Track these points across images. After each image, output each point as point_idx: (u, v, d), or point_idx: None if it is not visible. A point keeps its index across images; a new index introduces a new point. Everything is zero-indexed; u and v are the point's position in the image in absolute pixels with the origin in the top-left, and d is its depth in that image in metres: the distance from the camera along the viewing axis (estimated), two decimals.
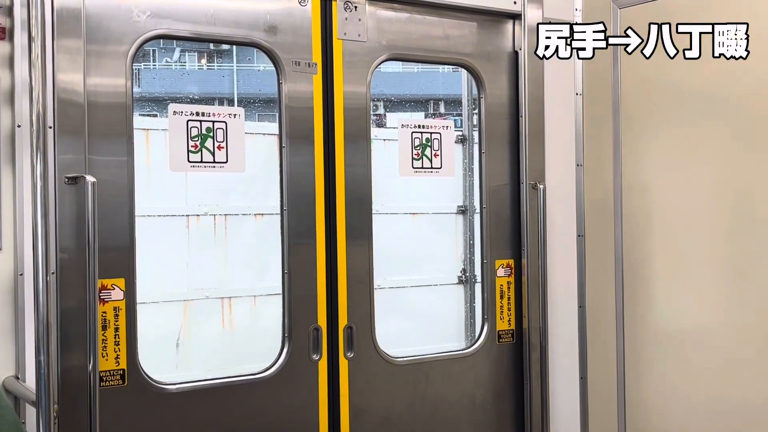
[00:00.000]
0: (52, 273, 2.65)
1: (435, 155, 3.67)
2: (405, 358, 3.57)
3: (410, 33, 3.55)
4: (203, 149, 3.09)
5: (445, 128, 3.71)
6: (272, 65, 3.28)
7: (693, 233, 3.52)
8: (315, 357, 3.31)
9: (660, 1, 3.58)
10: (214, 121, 3.12)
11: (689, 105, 3.51)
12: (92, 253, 2.70)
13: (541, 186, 3.68)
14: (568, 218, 3.90)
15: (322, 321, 3.32)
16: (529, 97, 3.72)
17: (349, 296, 3.39)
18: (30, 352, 2.68)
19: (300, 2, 3.28)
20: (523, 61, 3.71)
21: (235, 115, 3.17)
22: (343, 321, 3.38)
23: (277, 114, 3.30)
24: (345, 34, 3.38)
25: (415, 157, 3.63)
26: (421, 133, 3.65)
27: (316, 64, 3.31)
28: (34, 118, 2.56)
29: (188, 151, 3.07)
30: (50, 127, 2.70)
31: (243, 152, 3.18)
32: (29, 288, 2.66)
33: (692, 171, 3.51)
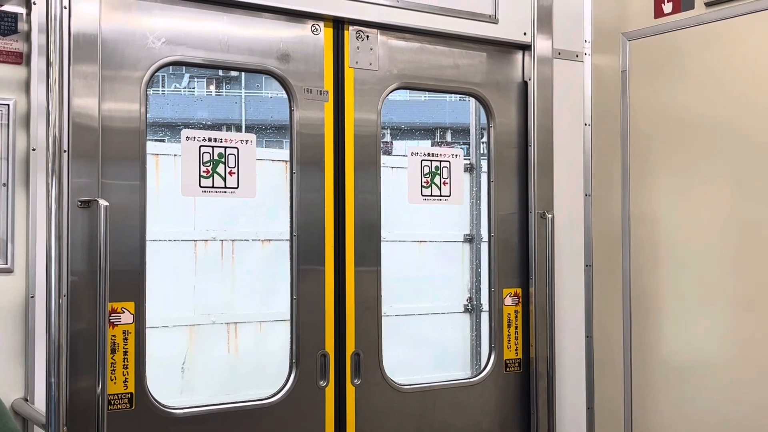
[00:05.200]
0: (64, 296, 2.66)
1: (444, 183, 3.69)
2: (412, 386, 3.57)
3: (421, 62, 3.58)
4: (215, 174, 3.12)
5: (454, 157, 3.74)
6: (283, 92, 3.31)
7: (701, 264, 3.52)
8: (322, 383, 3.31)
9: (669, 34, 3.61)
10: (226, 147, 3.15)
11: (698, 136, 3.53)
12: (103, 276, 2.71)
13: (550, 215, 3.70)
14: (576, 248, 3.91)
15: (329, 347, 3.32)
16: (538, 127, 3.75)
17: (356, 323, 3.39)
18: (39, 374, 2.68)
19: (313, 31, 3.32)
20: (533, 92, 3.74)
21: (246, 141, 3.21)
22: (350, 347, 3.38)
23: (288, 141, 3.33)
24: (357, 62, 3.42)
25: (425, 185, 3.65)
26: (431, 161, 3.67)
27: (327, 92, 3.34)
28: (50, 141, 2.58)
29: (200, 176, 3.09)
30: (65, 151, 2.72)
31: (254, 178, 3.21)
32: (40, 310, 2.68)
33: (701, 202, 3.52)
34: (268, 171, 4.45)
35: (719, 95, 3.45)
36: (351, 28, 3.41)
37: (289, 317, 3.30)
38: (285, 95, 3.31)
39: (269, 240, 4.86)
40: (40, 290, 2.68)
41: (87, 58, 2.82)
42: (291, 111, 3.30)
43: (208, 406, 3.13)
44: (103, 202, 2.73)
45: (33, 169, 2.74)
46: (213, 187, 3.12)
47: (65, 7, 2.75)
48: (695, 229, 3.54)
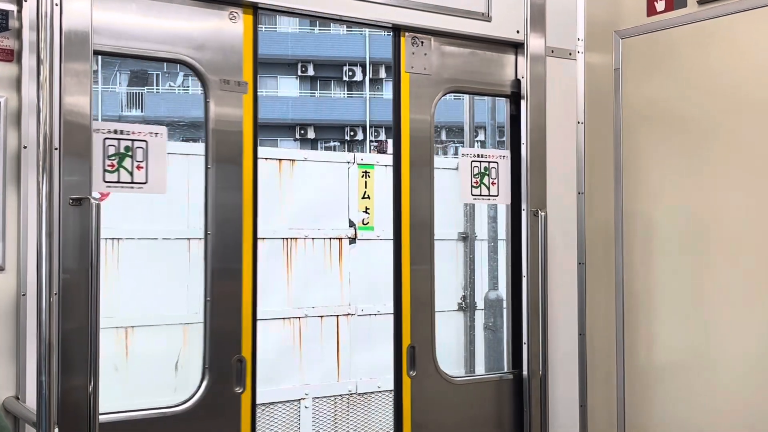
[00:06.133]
0: (55, 293, 2.65)
1: (492, 183, 3.76)
2: (462, 378, 3.72)
3: (467, 66, 3.70)
4: (121, 169, 2.93)
5: (502, 158, 3.82)
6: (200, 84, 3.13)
7: (694, 262, 3.52)
8: (238, 389, 3.12)
9: (661, 32, 3.62)
10: (133, 140, 2.95)
11: (691, 133, 3.53)
12: (95, 274, 2.69)
13: (543, 213, 3.69)
14: (568, 246, 3.90)
15: (246, 352, 3.13)
16: (531, 125, 3.74)
17: (412, 317, 3.47)
18: (30, 372, 2.67)
19: (230, 18, 3.15)
20: (526, 89, 3.74)
21: (156, 133, 2.99)
22: (406, 341, 3.45)
23: (203, 134, 3.12)
24: (412, 67, 3.50)
25: (474, 185, 3.72)
26: (480, 162, 3.74)
27: (246, 84, 3.16)
28: (41, 139, 2.57)
29: (104, 170, 2.90)
30: (56, 149, 2.70)
31: (164, 173, 2.99)
32: (31, 308, 2.66)
33: (694, 199, 3.52)
34: None
35: (712, 93, 3.45)
36: (407, 34, 3.48)
37: (202, 320, 3.10)
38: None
39: (263, 239, 4.85)
40: (31, 288, 2.67)
41: (78, 55, 2.79)
42: (206, 103, 3.09)
43: (115, 413, 2.92)
44: (94, 200, 2.71)
45: (24, 166, 2.72)
46: (119, 182, 2.92)
47: (56, 5, 2.73)
48: (688, 226, 3.54)
